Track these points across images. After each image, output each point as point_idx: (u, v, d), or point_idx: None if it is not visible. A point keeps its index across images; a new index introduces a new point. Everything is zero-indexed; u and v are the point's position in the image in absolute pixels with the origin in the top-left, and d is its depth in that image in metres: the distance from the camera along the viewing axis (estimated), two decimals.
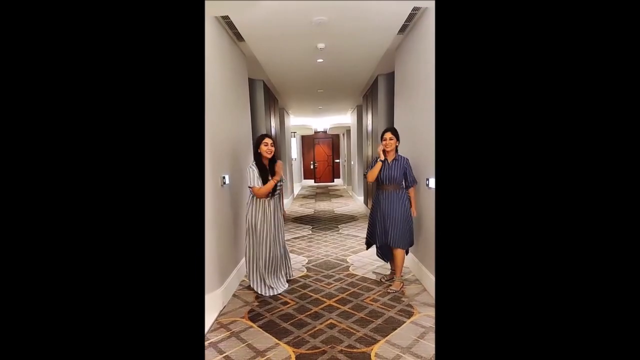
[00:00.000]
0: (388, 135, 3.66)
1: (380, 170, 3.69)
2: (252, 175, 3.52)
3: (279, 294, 3.71)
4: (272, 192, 3.61)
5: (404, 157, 3.74)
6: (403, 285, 3.78)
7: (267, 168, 3.62)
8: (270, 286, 3.69)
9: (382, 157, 3.65)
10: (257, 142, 3.66)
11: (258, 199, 3.60)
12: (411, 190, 3.76)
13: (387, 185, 3.70)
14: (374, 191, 3.89)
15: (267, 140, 3.62)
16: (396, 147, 3.71)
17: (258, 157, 3.63)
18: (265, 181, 3.52)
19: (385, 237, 3.70)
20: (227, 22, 3.74)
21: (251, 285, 3.72)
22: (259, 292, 3.66)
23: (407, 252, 3.84)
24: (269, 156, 3.63)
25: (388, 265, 4.07)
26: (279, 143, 3.33)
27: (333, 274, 4.27)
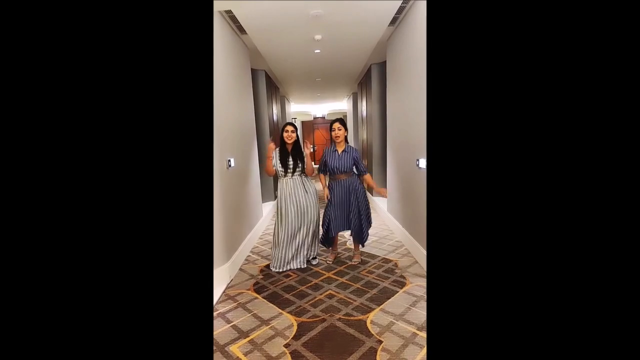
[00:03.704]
0: (336, 125, 3.57)
1: (331, 161, 3.61)
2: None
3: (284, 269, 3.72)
4: (285, 171, 3.61)
5: (353, 148, 3.66)
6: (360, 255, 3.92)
7: (288, 152, 3.62)
8: (284, 262, 3.71)
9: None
10: (281, 129, 3.68)
11: (280, 178, 3.68)
12: (368, 177, 3.72)
13: (340, 175, 3.62)
14: (328, 182, 3.78)
15: (288, 128, 3.62)
16: (345, 137, 3.62)
17: (281, 141, 3.64)
18: (283, 165, 3.59)
19: (348, 224, 3.66)
20: (230, 16, 3.69)
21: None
22: (271, 268, 3.71)
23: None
24: (289, 142, 3.60)
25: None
26: (279, 128, 3.34)
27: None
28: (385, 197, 3.62)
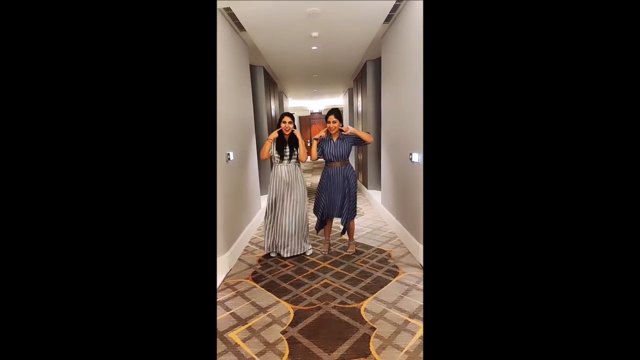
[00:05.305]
0: (332, 118, 3.61)
1: (327, 149, 3.65)
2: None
3: (280, 257, 3.75)
4: (281, 157, 3.64)
5: (346, 136, 3.68)
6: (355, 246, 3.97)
7: (285, 140, 3.66)
8: (274, 248, 3.77)
9: (324, 136, 3.66)
10: (279, 119, 3.71)
11: (275, 164, 3.72)
12: (367, 136, 3.61)
13: (335, 162, 3.67)
14: (323, 169, 3.82)
15: (286, 119, 3.64)
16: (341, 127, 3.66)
17: (280, 131, 3.66)
18: (279, 152, 3.64)
19: (340, 210, 3.71)
20: (229, 14, 3.67)
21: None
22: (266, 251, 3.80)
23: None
24: (287, 132, 3.64)
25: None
26: (277, 123, 3.41)
27: None
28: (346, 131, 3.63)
